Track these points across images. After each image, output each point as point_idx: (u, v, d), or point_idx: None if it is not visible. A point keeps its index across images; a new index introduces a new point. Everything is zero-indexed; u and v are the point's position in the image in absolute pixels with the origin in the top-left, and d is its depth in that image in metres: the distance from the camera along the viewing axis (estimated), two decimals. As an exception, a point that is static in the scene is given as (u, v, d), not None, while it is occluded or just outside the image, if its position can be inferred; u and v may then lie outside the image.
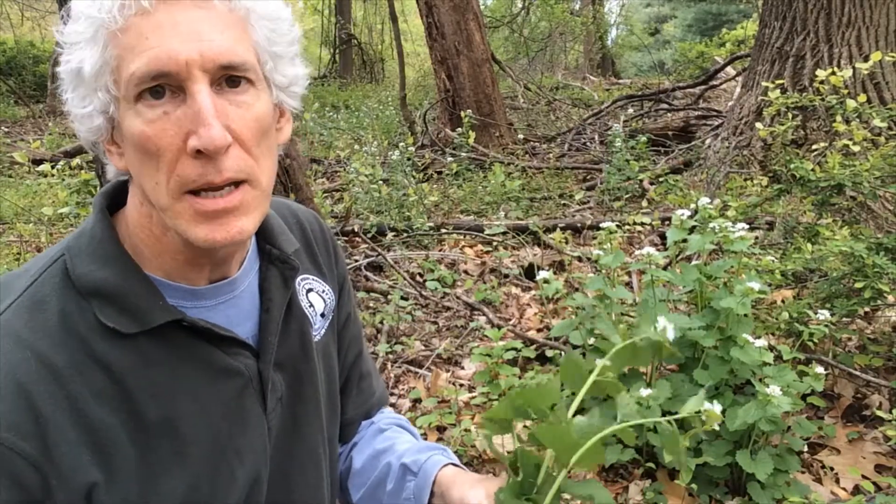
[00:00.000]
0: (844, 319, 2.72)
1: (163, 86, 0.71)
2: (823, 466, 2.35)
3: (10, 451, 0.68)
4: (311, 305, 0.99)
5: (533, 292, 3.91)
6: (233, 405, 0.85)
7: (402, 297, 3.73)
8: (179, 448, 0.79)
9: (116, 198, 0.85)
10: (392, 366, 3.19)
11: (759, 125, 3.82)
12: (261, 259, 0.92)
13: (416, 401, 2.91)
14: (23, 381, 0.70)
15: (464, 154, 6.82)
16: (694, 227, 2.41)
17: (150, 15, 0.70)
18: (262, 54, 0.77)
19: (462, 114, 7.22)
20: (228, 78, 0.73)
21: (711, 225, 2.36)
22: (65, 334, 0.74)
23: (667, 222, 3.84)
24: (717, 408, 0.68)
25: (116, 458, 0.74)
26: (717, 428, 0.69)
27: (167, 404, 0.78)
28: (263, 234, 0.92)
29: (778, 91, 3.56)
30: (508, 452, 0.71)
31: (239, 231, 0.74)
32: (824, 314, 2.28)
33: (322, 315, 1.01)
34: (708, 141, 6.19)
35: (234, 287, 0.87)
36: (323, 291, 1.02)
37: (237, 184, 0.74)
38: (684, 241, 2.39)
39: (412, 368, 3.18)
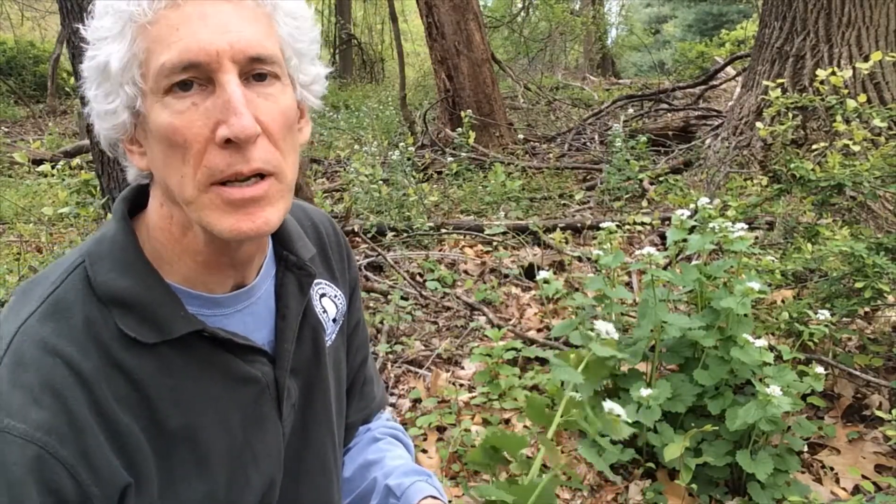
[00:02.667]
0: (844, 319, 2.72)
1: (191, 79, 0.71)
2: (823, 466, 2.35)
3: (51, 456, 0.68)
4: (325, 311, 0.99)
5: (533, 292, 3.91)
6: (250, 412, 0.85)
7: (402, 297, 3.73)
8: (199, 455, 0.80)
9: (136, 202, 0.85)
10: (392, 366, 3.19)
11: (759, 125, 3.81)
12: (277, 265, 0.92)
13: (416, 401, 2.91)
14: (57, 387, 0.70)
15: (464, 154, 6.81)
16: (694, 227, 2.41)
17: (180, 7, 0.71)
18: (287, 50, 0.78)
19: (462, 114, 7.21)
20: (255, 73, 0.73)
21: (711, 225, 2.36)
22: (89, 341, 0.74)
23: (667, 222, 3.84)
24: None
25: (141, 464, 0.75)
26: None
27: (188, 412, 0.79)
28: (280, 240, 0.92)
29: (778, 91, 3.56)
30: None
31: (265, 221, 0.74)
32: (824, 314, 2.28)
33: (334, 320, 1.01)
34: (708, 141, 6.19)
35: (251, 294, 0.87)
36: (335, 297, 1.02)
37: (263, 176, 0.74)
38: (684, 241, 2.39)
39: (412, 368, 3.18)
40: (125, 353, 0.75)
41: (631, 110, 8.73)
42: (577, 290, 3.55)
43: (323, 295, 1.00)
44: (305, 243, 0.95)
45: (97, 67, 0.74)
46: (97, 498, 0.70)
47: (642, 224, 4.30)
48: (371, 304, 3.77)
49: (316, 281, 0.98)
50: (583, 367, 0.75)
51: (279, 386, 0.88)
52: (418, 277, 4.19)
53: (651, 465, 2.30)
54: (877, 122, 3.24)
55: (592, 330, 0.77)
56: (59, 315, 0.75)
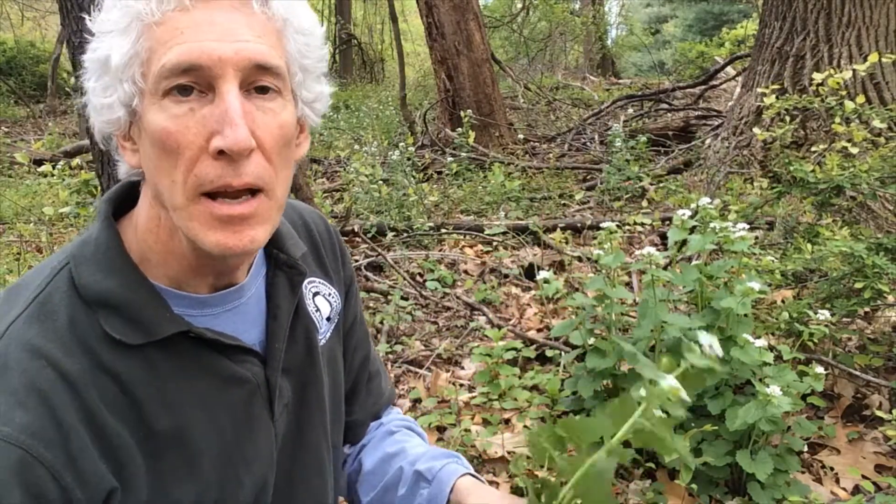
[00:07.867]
0: (844, 319, 2.72)
1: (191, 85, 0.70)
2: (823, 466, 2.35)
3: (35, 459, 0.67)
4: (318, 310, 0.98)
5: (533, 292, 3.91)
6: (241, 413, 0.84)
7: (402, 297, 3.72)
8: (189, 457, 0.79)
9: (122, 202, 0.84)
10: (392, 366, 3.19)
11: (757, 129, 3.81)
12: (268, 264, 0.91)
13: (416, 401, 2.91)
14: (43, 389, 0.70)
15: (464, 154, 6.81)
16: (694, 227, 2.41)
17: (189, 12, 0.70)
18: (293, 66, 0.77)
19: (462, 114, 7.21)
20: (257, 86, 0.73)
21: (712, 225, 2.36)
22: (75, 343, 0.73)
23: (667, 222, 3.84)
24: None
25: (129, 467, 0.74)
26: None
27: (176, 414, 0.78)
28: (271, 239, 0.90)
29: (774, 97, 3.56)
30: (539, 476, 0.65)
31: (251, 240, 0.74)
32: (824, 314, 2.28)
33: (328, 319, 1.00)
34: (708, 141, 6.19)
35: (241, 294, 0.86)
36: (329, 295, 1.01)
37: (253, 193, 0.73)
38: (685, 241, 2.39)
39: (412, 368, 3.18)
40: (111, 354, 0.74)
41: (631, 110, 8.73)
42: (577, 290, 3.55)
43: (316, 293, 0.99)
44: (296, 241, 0.94)
45: (98, 60, 0.73)
46: (80, 502, 0.69)
47: (642, 224, 4.30)
48: (371, 304, 3.77)
49: (309, 279, 0.97)
50: (677, 375, 0.62)
51: (270, 386, 0.87)
52: (418, 277, 4.19)
53: (651, 465, 2.29)
54: (876, 122, 3.24)
55: (696, 343, 0.66)
56: (45, 317, 0.74)
